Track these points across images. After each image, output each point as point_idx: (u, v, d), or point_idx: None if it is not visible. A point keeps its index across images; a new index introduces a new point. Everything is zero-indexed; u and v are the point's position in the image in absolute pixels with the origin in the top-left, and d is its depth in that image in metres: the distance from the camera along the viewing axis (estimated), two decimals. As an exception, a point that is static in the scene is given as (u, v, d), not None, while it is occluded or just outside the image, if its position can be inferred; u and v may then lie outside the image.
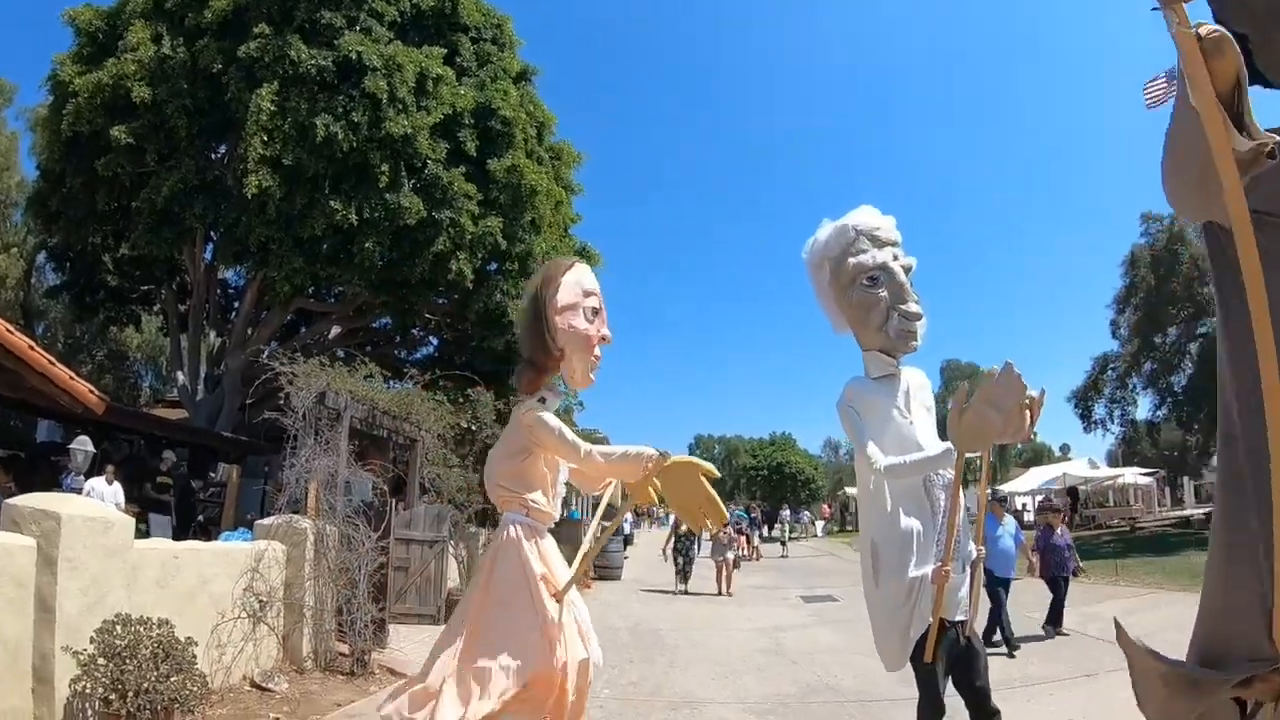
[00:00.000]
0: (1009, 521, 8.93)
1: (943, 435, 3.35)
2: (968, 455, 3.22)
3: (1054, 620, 9.02)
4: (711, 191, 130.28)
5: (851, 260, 3.52)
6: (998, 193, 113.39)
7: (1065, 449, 51.34)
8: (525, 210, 13.94)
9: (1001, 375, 3.00)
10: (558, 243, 15.11)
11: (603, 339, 3.17)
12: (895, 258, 3.54)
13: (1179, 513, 27.95)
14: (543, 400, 3.13)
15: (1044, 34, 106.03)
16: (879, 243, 3.54)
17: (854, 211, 3.69)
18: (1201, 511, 25.34)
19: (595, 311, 3.15)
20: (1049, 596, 9.19)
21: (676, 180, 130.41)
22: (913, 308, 3.48)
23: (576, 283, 3.14)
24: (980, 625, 7.77)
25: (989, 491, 5.53)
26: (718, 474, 2.96)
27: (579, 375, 3.17)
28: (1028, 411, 2.99)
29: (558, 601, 2.93)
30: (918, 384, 3.61)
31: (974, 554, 3.36)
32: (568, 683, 2.86)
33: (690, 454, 3.26)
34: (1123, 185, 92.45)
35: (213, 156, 14.01)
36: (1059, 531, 9.59)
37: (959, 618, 3.28)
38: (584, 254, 15.68)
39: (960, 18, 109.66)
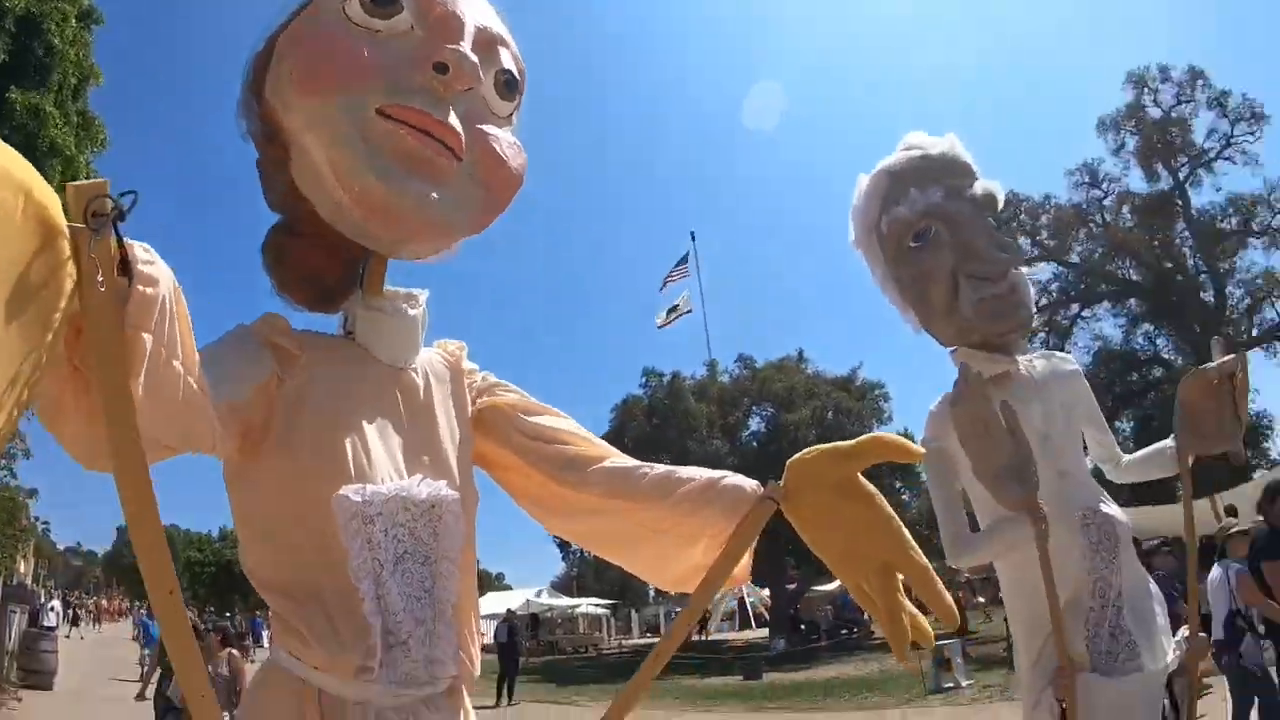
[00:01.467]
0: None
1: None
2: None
3: None
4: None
5: (886, 219, 2.20)
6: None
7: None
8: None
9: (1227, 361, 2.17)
10: None
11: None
12: (954, 194, 2.15)
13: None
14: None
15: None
16: (924, 178, 2.17)
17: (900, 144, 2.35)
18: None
19: None
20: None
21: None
22: (987, 264, 2.07)
23: None
24: None
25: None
26: (920, 452, 1.37)
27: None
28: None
29: None
30: (1059, 381, 2.23)
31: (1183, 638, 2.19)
32: None
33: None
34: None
35: None
36: None
37: None
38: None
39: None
